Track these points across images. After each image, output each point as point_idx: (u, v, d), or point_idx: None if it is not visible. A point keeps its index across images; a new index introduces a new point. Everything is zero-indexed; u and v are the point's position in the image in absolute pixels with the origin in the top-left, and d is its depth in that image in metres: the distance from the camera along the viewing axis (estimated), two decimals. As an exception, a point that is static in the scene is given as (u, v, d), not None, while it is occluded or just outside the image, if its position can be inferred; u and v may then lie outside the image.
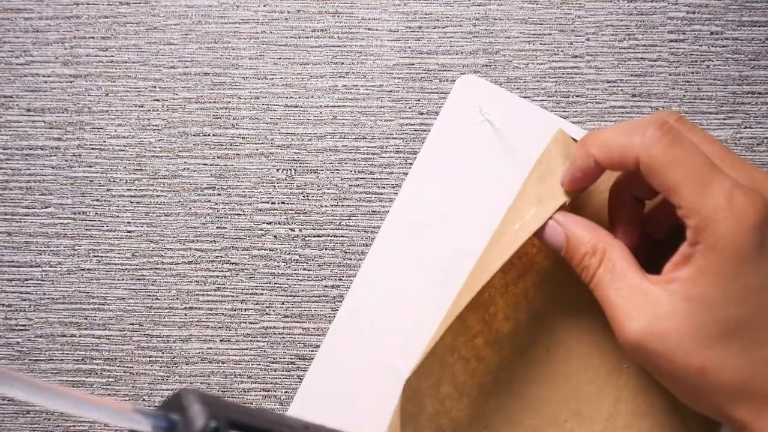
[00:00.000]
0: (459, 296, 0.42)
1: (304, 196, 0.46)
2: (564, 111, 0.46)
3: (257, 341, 0.46)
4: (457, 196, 0.45)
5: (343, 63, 0.47)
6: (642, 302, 0.36)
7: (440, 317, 0.44)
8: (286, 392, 0.45)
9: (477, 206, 0.45)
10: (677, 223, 0.38)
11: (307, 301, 0.46)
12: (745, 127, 0.46)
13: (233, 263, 0.46)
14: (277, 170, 0.46)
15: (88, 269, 0.46)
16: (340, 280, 0.46)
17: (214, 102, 0.47)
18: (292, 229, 0.46)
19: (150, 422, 0.30)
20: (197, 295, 0.46)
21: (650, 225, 0.41)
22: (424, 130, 0.46)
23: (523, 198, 0.41)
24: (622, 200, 0.40)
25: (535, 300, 0.43)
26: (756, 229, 0.34)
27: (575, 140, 0.42)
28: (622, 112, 0.46)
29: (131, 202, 0.47)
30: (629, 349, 0.36)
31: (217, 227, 0.46)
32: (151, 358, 0.46)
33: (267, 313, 0.46)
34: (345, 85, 0.47)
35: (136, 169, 0.47)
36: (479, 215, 0.45)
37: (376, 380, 0.44)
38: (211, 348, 0.46)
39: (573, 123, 0.45)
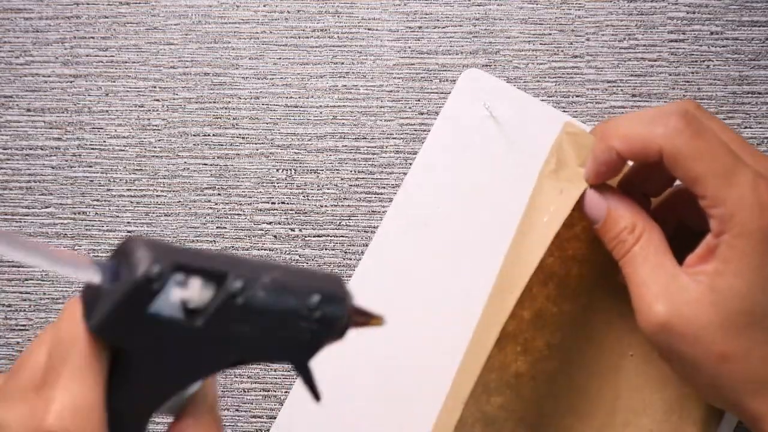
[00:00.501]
0: (495, 297, 0.41)
1: (304, 196, 0.46)
2: (564, 111, 0.46)
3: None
4: (460, 190, 0.45)
5: (343, 63, 0.47)
6: (672, 285, 0.36)
7: (439, 316, 0.44)
8: (286, 392, 0.45)
9: (479, 201, 0.45)
10: (683, 222, 0.38)
11: (307, 301, 0.46)
12: (745, 127, 0.46)
13: (233, 263, 0.46)
14: (277, 170, 0.46)
15: (88, 269, 0.46)
16: (340, 280, 0.46)
17: (214, 102, 0.47)
18: (292, 229, 0.46)
19: (94, 269, 0.30)
20: (197, 295, 0.46)
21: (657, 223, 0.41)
22: (424, 130, 0.46)
23: (541, 193, 0.41)
24: (631, 197, 0.40)
25: (536, 299, 0.43)
26: None
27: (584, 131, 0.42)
28: (622, 112, 0.46)
29: (131, 202, 0.47)
30: (652, 330, 0.36)
31: (217, 227, 0.46)
32: (151, 358, 0.46)
33: (267, 313, 0.46)
34: (345, 85, 0.47)
35: (136, 169, 0.47)
36: (481, 210, 0.45)
37: (374, 379, 0.44)
38: (211, 348, 0.46)
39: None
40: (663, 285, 0.36)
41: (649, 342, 0.37)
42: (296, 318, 0.35)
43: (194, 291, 0.32)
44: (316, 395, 0.36)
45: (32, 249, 0.29)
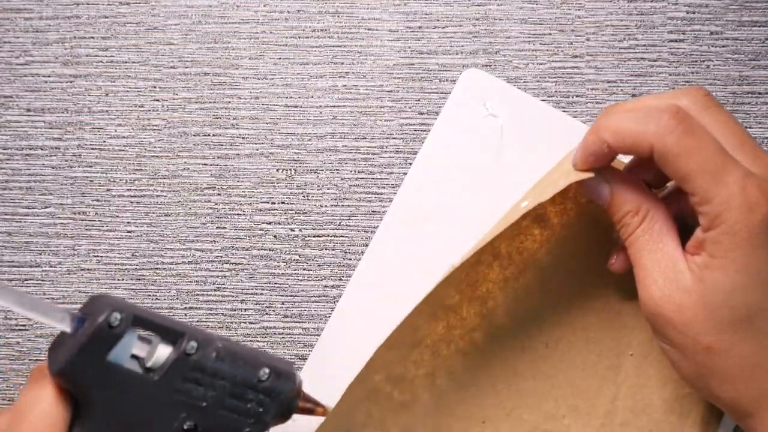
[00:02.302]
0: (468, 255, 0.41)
1: (304, 196, 0.46)
2: (564, 111, 0.46)
3: (257, 341, 0.46)
4: (460, 190, 0.45)
5: (343, 63, 0.47)
6: (670, 270, 0.36)
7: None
8: (286, 392, 0.45)
9: (479, 201, 0.45)
10: (683, 213, 0.38)
11: (307, 301, 0.46)
12: (745, 127, 0.46)
13: (233, 263, 0.46)
14: (277, 170, 0.46)
15: (88, 269, 0.46)
16: (340, 280, 0.46)
17: (214, 102, 0.47)
18: (292, 229, 0.46)
19: (63, 319, 0.33)
20: (197, 295, 0.46)
21: None
22: (424, 130, 0.46)
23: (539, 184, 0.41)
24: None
25: (536, 296, 0.43)
26: (766, 221, 0.34)
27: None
28: (622, 112, 0.46)
29: (131, 202, 0.47)
30: (648, 311, 0.37)
31: (217, 227, 0.46)
32: (151, 358, 0.46)
33: (267, 313, 0.46)
34: (345, 85, 0.47)
35: (136, 169, 0.47)
36: (481, 211, 0.45)
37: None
38: (211, 348, 0.46)
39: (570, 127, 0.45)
40: (661, 269, 0.37)
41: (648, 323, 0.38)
42: (245, 386, 0.36)
43: (152, 348, 0.35)
44: None
45: (9, 297, 0.32)
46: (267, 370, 0.37)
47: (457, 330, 0.43)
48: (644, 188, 0.39)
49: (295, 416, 0.38)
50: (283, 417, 0.38)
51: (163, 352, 0.34)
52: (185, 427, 0.35)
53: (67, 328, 0.33)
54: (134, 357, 0.34)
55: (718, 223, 0.35)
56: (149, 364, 0.34)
